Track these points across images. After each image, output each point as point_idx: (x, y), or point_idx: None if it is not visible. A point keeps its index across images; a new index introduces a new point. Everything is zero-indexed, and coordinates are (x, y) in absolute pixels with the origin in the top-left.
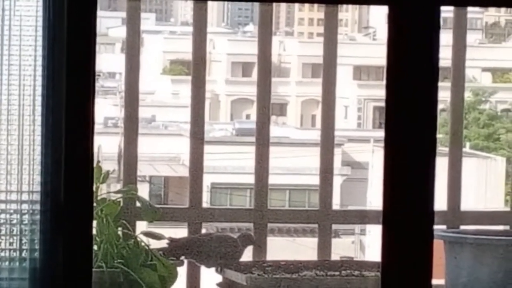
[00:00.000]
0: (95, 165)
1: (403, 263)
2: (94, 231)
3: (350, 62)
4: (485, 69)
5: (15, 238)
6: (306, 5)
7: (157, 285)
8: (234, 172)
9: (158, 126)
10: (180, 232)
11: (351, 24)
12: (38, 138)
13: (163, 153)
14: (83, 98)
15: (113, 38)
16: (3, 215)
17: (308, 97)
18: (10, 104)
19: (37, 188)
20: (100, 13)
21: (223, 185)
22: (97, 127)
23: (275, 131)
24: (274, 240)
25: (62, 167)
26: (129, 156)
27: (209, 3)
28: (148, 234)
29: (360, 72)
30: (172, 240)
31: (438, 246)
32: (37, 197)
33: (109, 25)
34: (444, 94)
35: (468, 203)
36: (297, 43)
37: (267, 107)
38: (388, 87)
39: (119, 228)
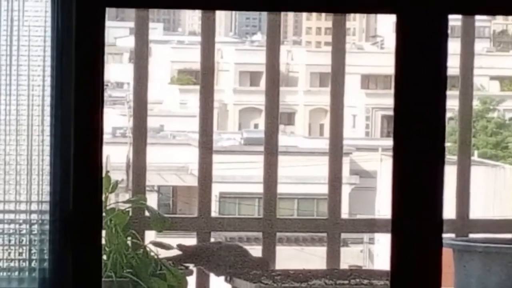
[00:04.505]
0: (103, 174)
1: (412, 271)
2: (103, 241)
3: (358, 71)
4: (493, 78)
5: (24, 248)
6: (314, 14)
7: None
8: (242, 182)
9: (167, 136)
10: (189, 241)
11: (359, 33)
12: (47, 148)
13: (171, 163)
14: (92, 108)
15: (121, 48)
16: (12, 225)
17: (316, 106)
18: (19, 114)
19: (46, 198)
20: (108, 23)
21: (232, 195)
22: (106, 137)
23: (283, 140)
24: (283, 249)
25: (71, 177)
26: (137, 166)
27: (217, 13)
28: (157, 244)
29: (368, 81)
30: (181, 246)
31: (447, 255)
32: (46, 207)
33: (117, 35)
34: (452, 103)
35: (476, 212)
36: (305, 52)
37: (275, 116)
38: (396, 96)
39: (128, 238)
